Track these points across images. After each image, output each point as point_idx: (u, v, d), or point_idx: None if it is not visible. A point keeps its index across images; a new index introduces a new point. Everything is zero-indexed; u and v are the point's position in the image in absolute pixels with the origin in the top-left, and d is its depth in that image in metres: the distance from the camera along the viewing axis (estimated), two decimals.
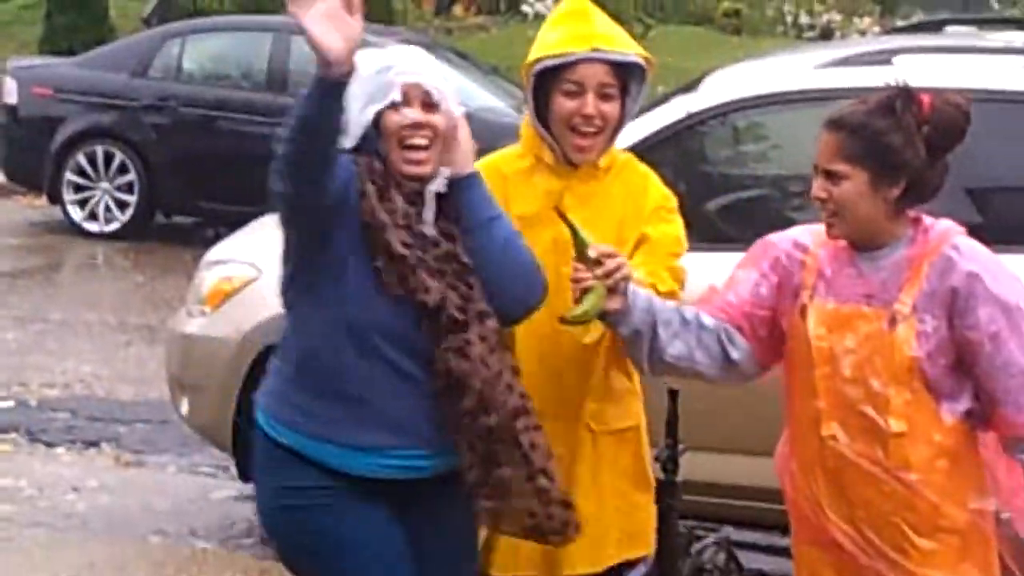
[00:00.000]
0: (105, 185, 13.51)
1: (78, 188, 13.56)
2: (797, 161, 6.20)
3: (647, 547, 4.20)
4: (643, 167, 4.28)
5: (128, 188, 13.45)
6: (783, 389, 3.94)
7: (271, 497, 4.00)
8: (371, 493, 3.89)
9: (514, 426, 3.86)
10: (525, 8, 22.32)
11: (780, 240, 3.93)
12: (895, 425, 3.71)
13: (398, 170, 3.87)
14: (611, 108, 4.12)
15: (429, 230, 3.88)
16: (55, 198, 13.72)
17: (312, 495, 3.92)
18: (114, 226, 13.48)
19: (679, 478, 3.91)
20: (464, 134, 3.92)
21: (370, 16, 16.74)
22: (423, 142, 3.84)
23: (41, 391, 8.88)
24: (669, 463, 3.88)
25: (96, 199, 13.55)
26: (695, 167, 6.43)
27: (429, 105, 3.86)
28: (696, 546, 4.83)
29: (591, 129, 4.08)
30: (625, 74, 4.13)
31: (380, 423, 3.86)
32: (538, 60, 4.10)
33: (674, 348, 3.89)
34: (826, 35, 21.38)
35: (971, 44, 6.55)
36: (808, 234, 3.90)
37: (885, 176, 3.70)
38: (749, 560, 5.34)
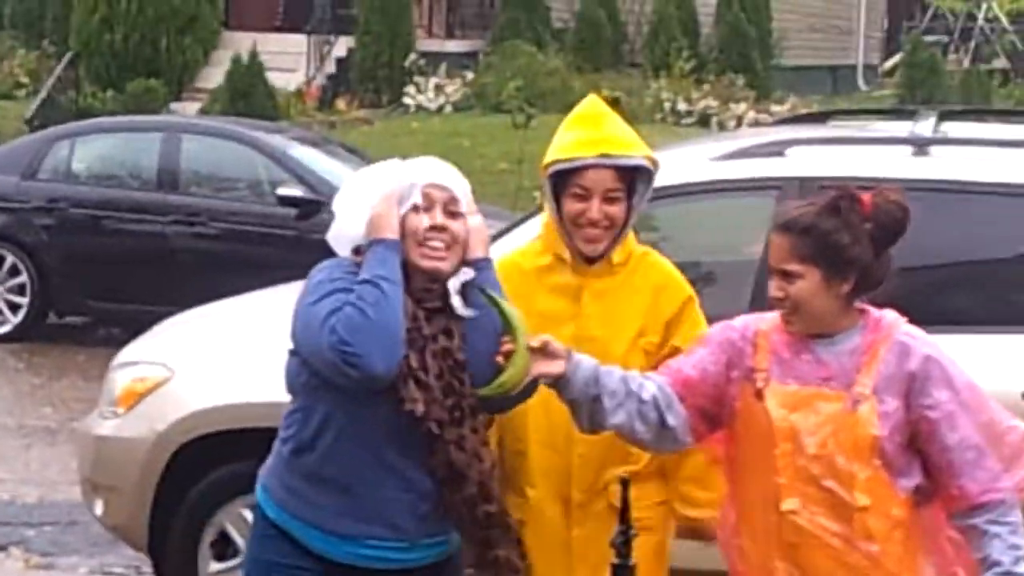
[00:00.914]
0: None
1: None
2: (697, 250, 6.43)
3: None
4: (661, 260, 4.55)
5: (20, 290, 13.43)
6: (726, 468, 4.14)
7: (255, 567, 4.27)
8: None
9: (507, 511, 4.16)
10: (407, 100, 22.53)
11: (737, 323, 4.16)
12: (860, 499, 3.96)
13: (415, 265, 4.11)
14: (616, 210, 4.37)
15: (427, 328, 4.08)
16: None
17: (293, 573, 4.16)
18: (6, 328, 13.44)
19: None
20: (478, 228, 4.17)
21: (253, 111, 16.93)
22: (440, 245, 4.09)
23: None
24: (623, 547, 4.06)
25: None
26: None
27: (451, 212, 4.12)
28: None
29: (596, 231, 4.35)
30: (633, 173, 4.39)
31: (365, 514, 4.10)
32: (551, 163, 4.35)
33: (616, 418, 4.11)
34: (703, 121, 21.75)
35: (857, 135, 6.82)
36: (763, 321, 4.13)
37: (837, 273, 3.97)
38: None
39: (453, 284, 4.14)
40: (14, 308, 13.48)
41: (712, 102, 22.24)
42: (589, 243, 4.40)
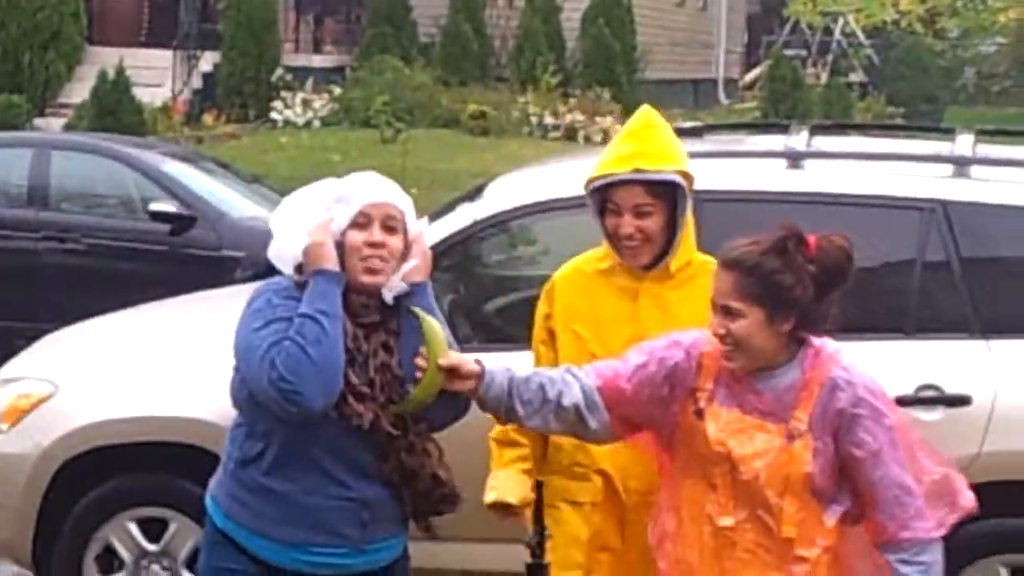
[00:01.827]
0: None
1: None
2: None
3: None
4: None
5: None
6: (665, 475, 4.25)
7: (206, 574, 4.38)
8: None
9: (453, 483, 4.37)
10: (275, 115, 22.51)
11: (685, 340, 4.22)
12: (786, 531, 4.07)
13: (355, 280, 4.20)
14: (649, 223, 4.50)
15: (366, 346, 4.19)
16: None
17: None
18: None
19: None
20: (420, 248, 4.28)
21: (120, 127, 16.73)
22: (379, 261, 4.21)
23: None
24: (537, 548, 4.18)
25: None
26: (482, 272, 6.74)
27: (388, 228, 4.21)
28: None
29: (633, 243, 4.48)
30: (670, 188, 4.50)
31: (308, 523, 4.23)
32: (589, 181, 4.52)
33: (532, 422, 4.25)
34: (571, 135, 21.97)
35: (733, 149, 6.98)
36: (709, 342, 4.17)
37: (778, 312, 4.02)
38: None
39: (386, 294, 4.26)
40: None
41: (579, 116, 22.46)
42: (631, 256, 4.57)
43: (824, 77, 31.93)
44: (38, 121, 21.05)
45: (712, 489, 4.12)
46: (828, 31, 35.12)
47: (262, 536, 4.28)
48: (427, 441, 4.34)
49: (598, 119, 22.26)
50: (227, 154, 17.92)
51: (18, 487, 6.56)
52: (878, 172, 6.34)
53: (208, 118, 22.37)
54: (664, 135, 4.66)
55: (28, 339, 7.97)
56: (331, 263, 4.20)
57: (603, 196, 4.59)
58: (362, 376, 4.21)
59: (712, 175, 6.24)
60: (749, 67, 35.39)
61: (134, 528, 6.52)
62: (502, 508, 4.66)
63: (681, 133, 8.26)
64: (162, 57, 22.66)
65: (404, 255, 4.28)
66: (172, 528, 6.48)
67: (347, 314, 4.22)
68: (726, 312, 4.05)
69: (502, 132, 21.69)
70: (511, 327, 6.50)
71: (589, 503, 4.60)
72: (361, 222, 4.22)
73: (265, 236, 4.47)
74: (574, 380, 4.24)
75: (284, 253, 4.32)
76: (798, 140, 6.50)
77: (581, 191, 6.41)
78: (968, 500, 4.26)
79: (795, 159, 6.33)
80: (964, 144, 6.47)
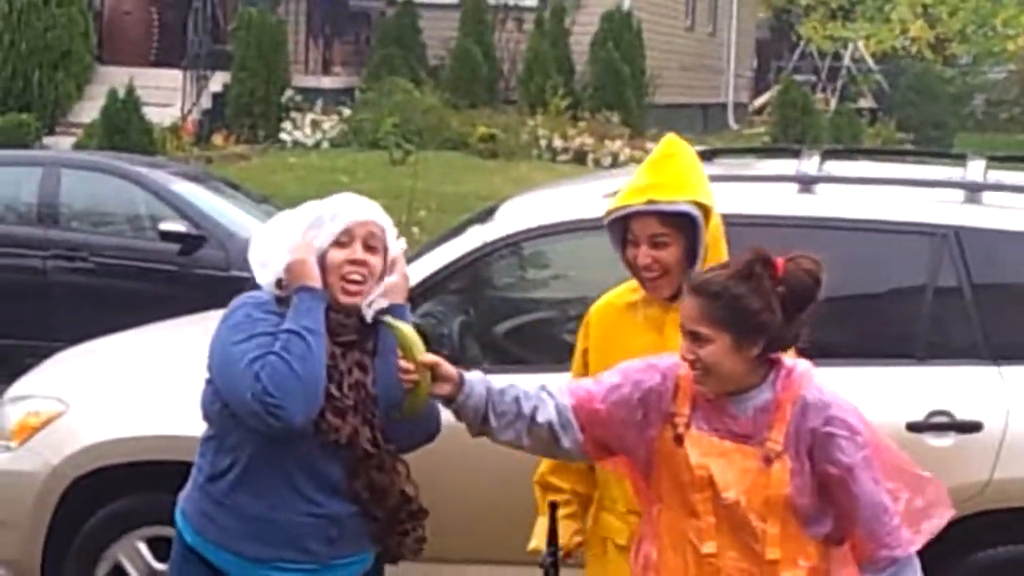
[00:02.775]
0: None
1: None
2: (590, 286, 6.54)
3: None
4: None
5: None
6: (643, 500, 4.24)
7: None
8: None
9: (419, 499, 4.43)
10: (284, 136, 22.53)
11: (661, 363, 4.20)
12: (770, 553, 4.05)
13: (334, 298, 4.26)
14: (665, 254, 4.49)
15: (342, 364, 4.17)
16: None
17: None
18: None
19: None
20: (399, 269, 4.34)
21: (129, 146, 16.73)
22: (359, 278, 4.26)
23: None
24: (551, 569, 4.17)
25: None
26: (493, 294, 6.75)
27: (369, 247, 4.27)
28: None
29: (651, 274, 4.46)
30: (687, 219, 4.48)
31: (275, 538, 4.23)
32: (608, 214, 4.54)
33: (505, 435, 4.23)
34: (579, 158, 21.97)
35: (744, 173, 6.98)
36: (685, 365, 4.15)
37: (746, 337, 3.99)
38: None
39: (366, 311, 4.33)
40: None
41: (588, 139, 22.45)
42: (653, 290, 4.57)
43: (833, 103, 32.00)
44: (47, 140, 21.08)
45: (694, 516, 4.10)
46: (837, 57, 35.20)
47: (229, 551, 4.32)
48: (396, 459, 4.40)
49: (607, 142, 22.25)
50: (236, 174, 17.94)
51: (27, 505, 6.57)
52: (890, 197, 6.34)
53: (217, 138, 22.40)
54: (681, 165, 4.65)
55: (36, 357, 7.98)
56: (315, 281, 4.25)
57: (623, 227, 4.61)
58: (338, 392, 4.26)
59: (723, 199, 6.25)
60: (758, 92, 35.45)
61: (143, 547, 6.52)
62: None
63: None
64: (172, 77, 22.69)
65: (383, 275, 4.35)
66: None
67: (325, 332, 4.26)
68: (694, 338, 4.03)
69: (511, 155, 21.70)
70: (521, 349, 6.52)
71: (622, 545, 4.57)
72: (343, 240, 4.30)
73: None
74: (549, 398, 4.23)
75: (266, 268, 4.35)
76: (810, 164, 6.51)
77: (592, 214, 6.45)
78: (946, 512, 4.24)
79: (807, 183, 6.34)
80: (976, 170, 6.48)
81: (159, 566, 6.50)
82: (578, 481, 4.77)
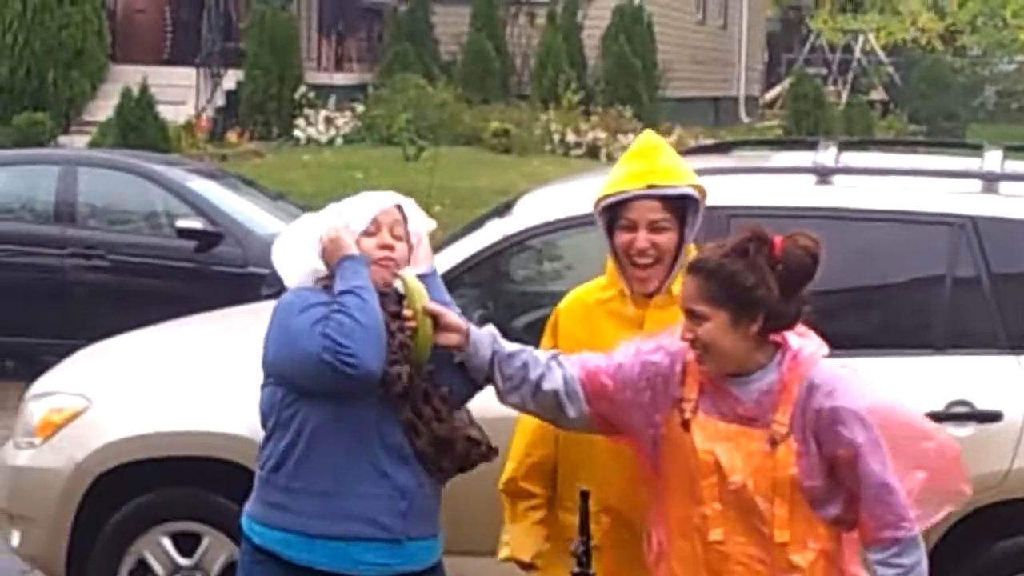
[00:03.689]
0: None
1: None
2: None
3: None
4: None
5: None
6: (652, 487, 4.26)
7: None
8: None
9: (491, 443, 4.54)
10: (297, 133, 22.57)
11: (671, 347, 4.22)
12: (779, 536, 4.06)
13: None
14: (664, 239, 4.47)
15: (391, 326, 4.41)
16: None
17: None
18: None
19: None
20: (425, 244, 4.57)
21: (143, 144, 16.79)
22: (389, 263, 4.45)
23: None
24: (584, 558, 4.20)
25: None
26: (512, 288, 6.78)
27: (396, 235, 4.47)
28: None
29: (646, 260, 4.44)
30: (682, 206, 4.48)
31: (346, 513, 4.35)
32: (601, 199, 4.50)
33: (511, 398, 4.35)
34: (592, 152, 21.99)
35: (762, 164, 7.01)
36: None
37: (743, 314, 4.02)
38: None
39: (397, 283, 4.49)
40: None
41: (600, 133, 22.48)
42: (640, 282, 4.52)
43: (844, 95, 31.98)
44: (62, 139, 21.13)
45: (700, 502, 4.12)
46: (848, 49, 35.18)
47: (300, 533, 4.36)
48: (454, 407, 4.50)
49: (620, 136, 22.26)
50: (251, 171, 17.98)
51: (52, 501, 6.61)
52: (908, 188, 6.36)
53: (231, 136, 22.44)
54: (671, 153, 4.66)
55: (55, 355, 8.02)
56: (353, 249, 4.43)
57: (614, 214, 4.55)
58: (391, 349, 4.40)
59: (741, 191, 6.30)
60: (769, 85, 35.45)
61: (167, 543, 6.56)
62: (517, 564, 4.71)
63: (708, 150, 8.38)
64: (185, 75, 22.74)
65: (408, 260, 4.54)
66: (205, 543, 6.51)
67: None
68: (692, 316, 4.07)
69: (524, 150, 21.72)
70: (534, 342, 6.54)
71: (595, 545, 4.52)
72: (371, 230, 4.48)
73: None
74: (557, 367, 4.30)
75: (304, 268, 4.52)
76: (826, 156, 6.53)
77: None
78: (965, 490, 4.27)
79: (824, 175, 6.36)
80: (993, 160, 6.50)
81: (183, 561, 6.54)
82: (549, 485, 4.76)
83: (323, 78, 24.20)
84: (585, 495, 4.28)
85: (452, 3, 25.44)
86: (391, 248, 4.48)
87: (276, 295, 4.64)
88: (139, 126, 19.83)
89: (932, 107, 31.82)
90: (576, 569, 4.20)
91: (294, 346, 4.32)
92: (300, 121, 22.73)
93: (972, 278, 6.06)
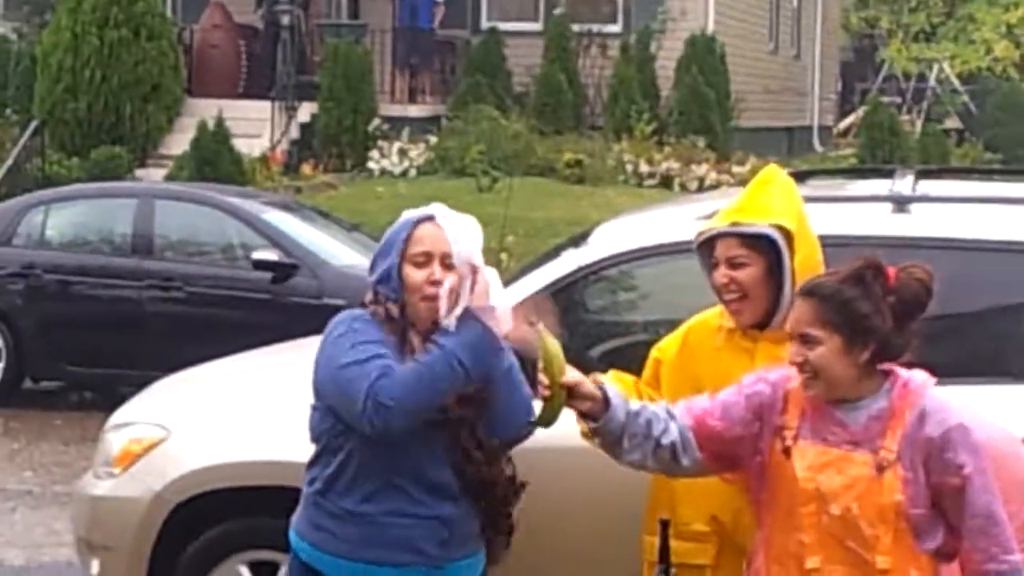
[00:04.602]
0: None
1: None
2: (686, 309, 6.57)
3: None
4: None
5: None
6: (754, 518, 4.26)
7: None
8: None
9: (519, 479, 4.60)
10: (371, 165, 22.68)
11: (772, 376, 4.25)
12: (881, 562, 4.06)
13: (417, 314, 4.44)
14: (742, 275, 4.55)
15: None
16: None
17: None
18: None
19: None
20: (482, 277, 4.43)
21: (219, 177, 17.02)
22: (439, 297, 4.41)
23: None
24: None
25: None
26: (587, 317, 6.78)
27: (447, 265, 4.42)
28: None
29: (731, 296, 4.52)
30: (771, 243, 4.54)
31: (389, 542, 4.42)
32: (698, 236, 4.62)
33: (632, 456, 4.32)
34: (666, 183, 21.96)
35: (838, 193, 6.98)
36: (795, 378, 4.20)
37: (857, 340, 4.06)
38: None
39: (449, 322, 4.42)
40: None
41: (674, 164, 22.44)
42: (733, 314, 4.62)
43: (919, 124, 31.80)
44: (139, 172, 21.34)
45: (799, 529, 4.12)
46: (922, 78, 35.00)
47: (345, 558, 4.44)
48: (499, 451, 4.55)
49: (693, 167, 22.24)
50: (325, 203, 18.11)
51: (131, 530, 6.65)
52: (986, 216, 6.32)
53: (306, 168, 22.58)
54: (773, 191, 4.69)
55: (133, 386, 8.09)
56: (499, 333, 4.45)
57: (710, 251, 4.67)
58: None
59: (818, 219, 6.27)
60: (843, 115, 35.32)
61: (245, 571, 6.59)
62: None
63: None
64: (260, 108, 22.92)
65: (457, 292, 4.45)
66: (282, 571, 6.50)
67: (419, 336, 4.45)
68: (804, 340, 4.10)
69: (597, 180, 21.73)
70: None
71: (708, 566, 4.57)
72: (420, 260, 4.45)
73: (365, 284, 4.67)
74: (671, 420, 4.31)
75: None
76: (904, 184, 6.50)
77: (685, 236, 6.47)
78: None
79: (901, 203, 6.33)
80: None
81: None
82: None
83: (397, 110, 24.32)
84: (665, 523, 4.31)
85: (524, 35, 25.53)
86: (439, 283, 4.42)
87: None
88: (214, 159, 20.02)
89: (1008, 135, 31.53)
90: None
91: (342, 376, 4.40)
92: (374, 153, 22.84)
93: None
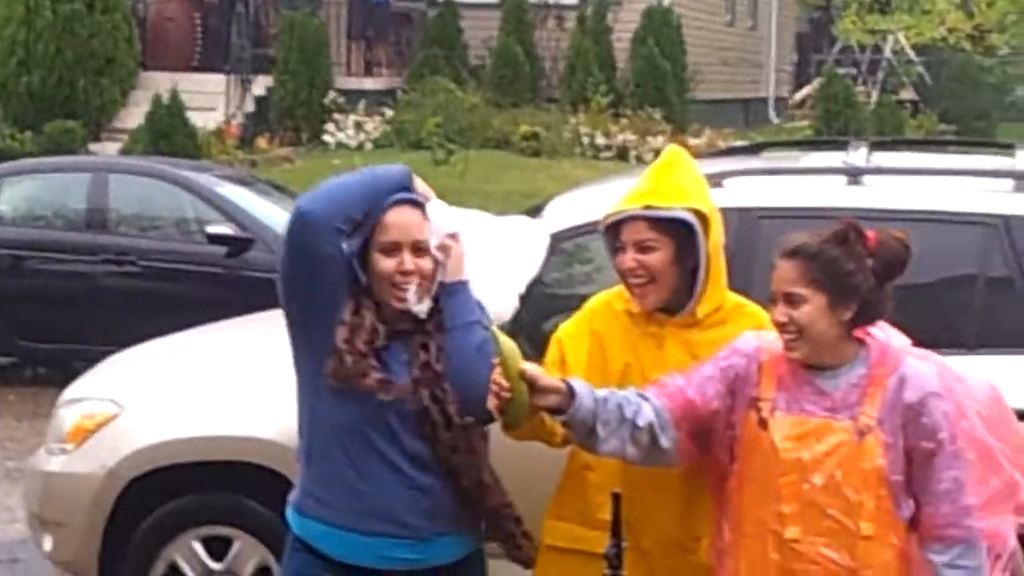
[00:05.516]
0: None
1: None
2: None
3: None
4: (757, 311, 4.52)
5: None
6: (719, 490, 4.25)
7: None
8: None
9: (507, 498, 4.49)
10: (327, 138, 22.61)
11: (745, 347, 4.24)
12: (865, 528, 4.07)
13: (388, 303, 4.35)
14: (651, 259, 4.42)
15: (404, 353, 4.35)
16: None
17: None
18: None
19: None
20: (456, 249, 4.35)
21: (174, 151, 16.87)
22: (410, 286, 4.32)
23: None
24: (615, 560, 4.19)
25: None
26: (542, 291, 6.75)
27: (419, 250, 4.33)
28: None
29: (637, 280, 4.41)
30: (683, 226, 4.42)
31: (371, 511, 4.33)
32: (605, 219, 4.50)
33: (608, 445, 4.25)
34: (622, 155, 21.98)
35: (792, 166, 6.99)
36: (768, 348, 4.21)
37: (840, 299, 4.08)
38: None
39: (420, 308, 4.36)
40: None
41: (630, 136, 22.46)
42: (638, 298, 4.49)
43: (874, 95, 31.85)
44: (93, 146, 21.20)
45: (777, 500, 4.12)
46: (878, 49, 35.05)
47: (331, 525, 4.37)
48: (476, 439, 4.41)
49: (649, 139, 22.25)
50: (281, 177, 18.02)
51: (84, 506, 6.63)
52: (939, 188, 6.34)
53: (261, 141, 22.49)
54: (680, 173, 4.56)
55: (87, 361, 8.04)
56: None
57: (616, 234, 4.55)
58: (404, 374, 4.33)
59: (771, 192, 6.28)
60: (799, 86, 35.36)
61: (198, 547, 6.57)
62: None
63: (738, 151, 8.36)
64: (215, 81, 22.81)
65: (435, 273, 4.37)
66: (236, 547, 6.52)
67: (381, 322, 4.34)
68: (788, 300, 4.11)
69: (554, 152, 21.72)
70: None
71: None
72: (389, 247, 4.34)
73: None
74: (644, 401, 4.26)
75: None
76: (857, 156, 6.51)
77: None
78: None
79: (855, 175, 6.34)
80: None
81: (215, 565, 6.55)
82: None
83: (353, 83, 24.24)
84: (617, 497, 4.26)
85: (481, 7, 25.47)
86: (415, 272, 4.33)
87: None
88: (169, 133, 19.91)
89: (962, 106, 31.68)
90: (608, 571, 4.19)
91: None
92: (330, 126, 22.77)
93: (1004, 278, 6.03)
